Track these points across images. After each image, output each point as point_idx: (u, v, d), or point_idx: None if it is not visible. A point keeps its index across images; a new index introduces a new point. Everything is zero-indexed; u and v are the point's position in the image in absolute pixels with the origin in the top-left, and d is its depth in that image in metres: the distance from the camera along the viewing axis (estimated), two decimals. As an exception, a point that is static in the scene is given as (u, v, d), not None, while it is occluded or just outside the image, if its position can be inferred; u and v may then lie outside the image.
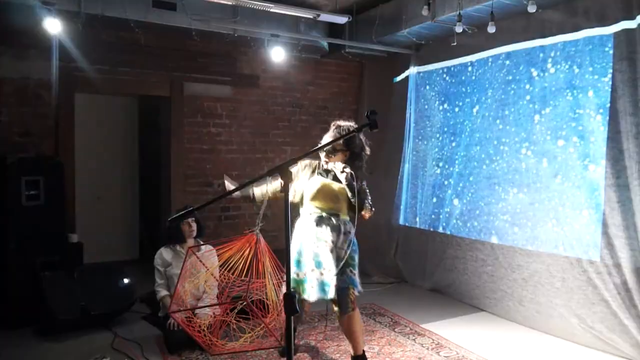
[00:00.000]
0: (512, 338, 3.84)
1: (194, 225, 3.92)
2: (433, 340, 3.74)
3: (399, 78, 5.66)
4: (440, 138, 5.04)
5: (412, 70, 5.41)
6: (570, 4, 3.77)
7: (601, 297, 3.53)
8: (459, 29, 3.96)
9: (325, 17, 4.90)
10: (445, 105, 4.99)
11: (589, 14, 3.66)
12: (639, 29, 3.34)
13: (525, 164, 4.13)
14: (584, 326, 3.63)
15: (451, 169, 4.87)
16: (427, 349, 3.58)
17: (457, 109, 4.85)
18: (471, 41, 4.57)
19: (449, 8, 4.11)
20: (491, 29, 3.76)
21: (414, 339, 3.75)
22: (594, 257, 3.58)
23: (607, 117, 3.53)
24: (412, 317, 4.23)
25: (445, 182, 4.93)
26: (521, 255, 4.12)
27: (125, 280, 4.14)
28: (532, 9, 3.54)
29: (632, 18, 3.37)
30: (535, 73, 4.07)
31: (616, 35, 3.48)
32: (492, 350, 3.57)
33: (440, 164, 5.01)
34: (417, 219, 5.28)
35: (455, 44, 4.39)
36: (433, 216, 5.06)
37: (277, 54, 5.07)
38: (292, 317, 1.81)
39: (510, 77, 4.27)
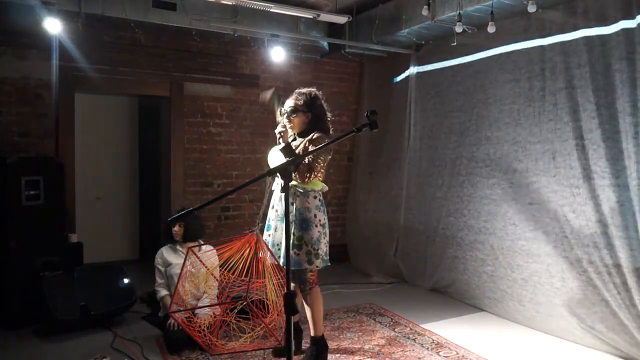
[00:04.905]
0: (512, 338, 3.84)
1: (181, 230, 3.90)
2: (433, 340, 3.74)
3: (399, 78, 5.65)
4: (441, 137, 5.02)
5: (412, 70, 5.41)
6: (570, 3, 3.76)
7: (601, 297, 3.52)
8: (459, 29, 3.96)
9: (325, 17, 4.90)
10: (446, 105, 4.99)
11: (589, 14, 3.65)
12: (639, 29, 3.34)
13: (526, 163, 4.12)
14: (584, 326, 3.63)
15: (452, 168, 4.87)
16: (427, 349, 3.58)
17: (457, 108, 4.85)
18: (471, 41, 4.57)
19: (449, 8, 4.11)
20: (491, 29, 3.76)
21: (414, 339, 3.75)
22: (594, 257, 3.58)
23: (607, 117, 3.53)
24: (412, 317, 4.23)
25: (446, 182, 4.93)
26: (521, 255, 4.12)
27: (125, 280, 4.14)
28: (532, 9, 3.53)
29: (632, 18, 3.37)
30: (536, 70, 4.06)
31: (616, 35, 3.48)
32: (492, 350, 3.57)
33: (441, 164, 5.00)
34: (417, 219, 5.28)
35: (455, 43, 4.39)
36: (433, 216, 5.06)
37: (277, 54, 5.07)
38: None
39: (511, 76, 4.26)
